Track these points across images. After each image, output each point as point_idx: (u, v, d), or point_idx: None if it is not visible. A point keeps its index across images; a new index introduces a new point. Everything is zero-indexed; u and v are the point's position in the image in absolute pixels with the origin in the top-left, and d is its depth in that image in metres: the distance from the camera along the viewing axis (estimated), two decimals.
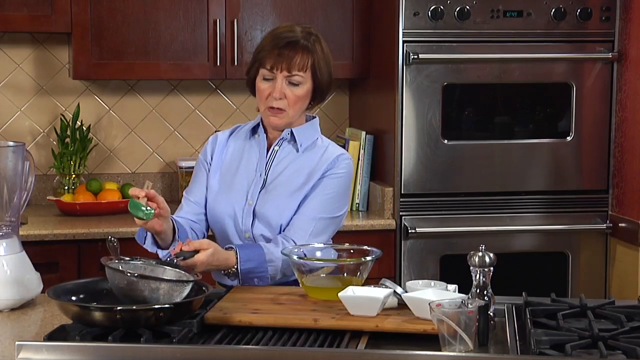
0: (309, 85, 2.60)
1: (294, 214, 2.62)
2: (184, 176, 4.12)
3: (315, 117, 2.74)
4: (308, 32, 2.61)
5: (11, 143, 2.51)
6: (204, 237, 2.68)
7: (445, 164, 3.78)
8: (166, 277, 2.19)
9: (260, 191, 2.64)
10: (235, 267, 2.50)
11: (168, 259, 2.32)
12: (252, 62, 2.64)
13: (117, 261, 2.21)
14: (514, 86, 3.84)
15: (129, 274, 2.12)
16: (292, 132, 2.66)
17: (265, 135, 2.70)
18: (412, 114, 3.74)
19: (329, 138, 2.78)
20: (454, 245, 3.78)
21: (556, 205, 3.87)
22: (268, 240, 2.61)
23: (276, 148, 2.68)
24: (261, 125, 2.71)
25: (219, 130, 4.25)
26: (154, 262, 2.26)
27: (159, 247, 2.55)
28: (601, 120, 3.88)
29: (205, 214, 2.72)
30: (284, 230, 2.62)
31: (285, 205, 2.62)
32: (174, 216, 2.60)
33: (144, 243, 2.56)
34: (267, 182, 2.66)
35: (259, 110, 2.68)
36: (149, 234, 2.53)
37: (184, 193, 2.77)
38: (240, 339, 2.09)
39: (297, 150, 2.67)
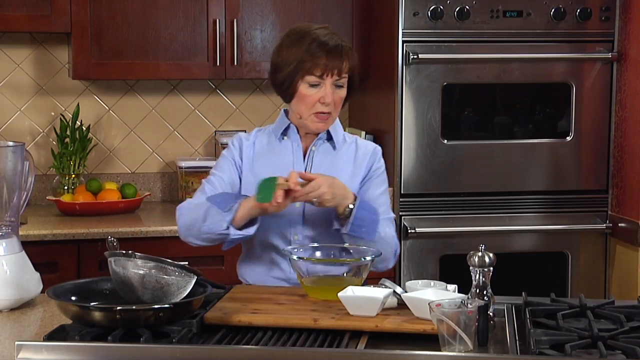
0: (346, 86, 2.62)
1: None
2: (184, 176, 4.12)
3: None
4: (333, 33, 2.62)
5: (11, 143, 2.51)
6: None
7: (445, 164, 3.78)
8: (170, 274, 2.18)
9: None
10: (352, 206, 2.50)
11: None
12: (294, 71, 2.57)
13: (121, 257, 2.20)
14: (514, 86, 3.84)
15: (142, 270, 2.13)
16: (328, 131, 2.67)
17: (299, 137, 2.68)
18: (412, 114, 3.74)
19: None
20: (454, 245, 3.78)
21: (556, 205, 3.87)
22: (314, 242, 2.59)
23: (313, 149, 2.67)
24: (294, 128, 2.68)
25: (219, 130, 4.28)
26: (151, 260, 2.24)
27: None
28: (601, 120, 3.88)
29: None
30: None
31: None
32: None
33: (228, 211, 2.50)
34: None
35: (301, 117, 2.62)
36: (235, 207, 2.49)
37: (210, 176, 2.71)
38: (240, 339, 2.09)
39: (334, 148, 2.68)
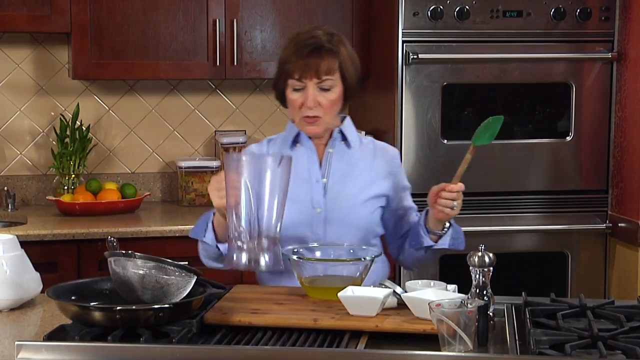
0: (339, 87, 2.58)
1: (405, 218, 2.68)
2: (184, 176, 4.12)
3: (346, 115, 2.73)
4: (329, 34, 2.58)
5: None
6: None
7: (445, 164, 3.77)
8: (170, 274, 2.18)
9: (325, 197, 2.62)
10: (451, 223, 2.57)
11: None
12: (279, 74, 2.61)
13: (121, 257, 2.19)
14: (514, 86, 3.84)
15: (142, 270, 2.13)
16: (341, 132, 2.66)
17: (311, 142, 2.67)
18: (412, 114, 3.74)
19: None
20: None
21: (556, 205, 3.87)
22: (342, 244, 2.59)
23: (330, 151, 2.66)
24: (304, 134, 2.67)
25: (219, 130, 4.28)
26: (151, 260, 2.24)
27: (218, 241, 2.51)
28: (601, 120, 3.88)
29: None
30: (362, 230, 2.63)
31: (358, 204, 2.62)
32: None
33: (204, 236, 2.51)
34: (329, 187, 2.63)
35: (293, 122, 2.64)
36: (209, 226, 2.50)
37: None
38: (240, 339, 2.09)
39: (349, 149, 2.67)
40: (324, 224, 2.61)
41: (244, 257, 2.23)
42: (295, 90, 2.57)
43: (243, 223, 2.21)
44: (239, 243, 2.22)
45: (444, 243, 2.56)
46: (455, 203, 2.49)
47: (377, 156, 2.70)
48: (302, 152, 2.66)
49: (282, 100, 2.64)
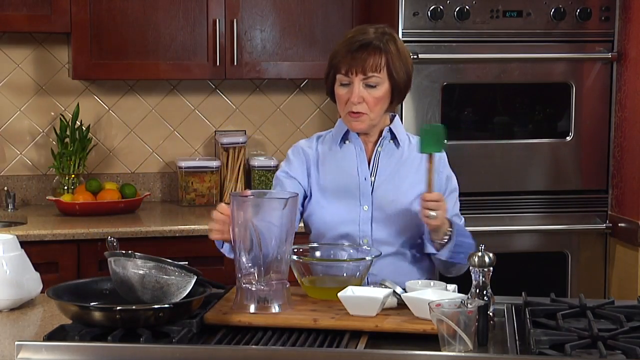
0: (386, 85, 2.55)
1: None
2: (184, 176, 4.12)
3: (395, 114, 2.70)
4: (381, 32, 2.56)
5: None
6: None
7: None
8: (170, 274, 2.18)
9: (372, 195, 2.60)
10: (450, 231, 2.50)
11: None
12: (328, 69, 2.60)
13: (121, 257, 2.19)
14: (514, 86, 3.84)
15: (142, 270, 2.13)
16: (391, 130, 2.64)
17: (360, 140, 2.65)
18: (412, 114, 3.74)
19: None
20: None
21: (556, 205, 3.87)
22: (386, 245, 2.57)
23: (379, 149, 2.64)
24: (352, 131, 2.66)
25: (219, 130, 4.28)
26: (151, 260, 2.25)
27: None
28: (601, 120, 3.87)
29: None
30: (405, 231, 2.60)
31: (405, 204, 2.59)
32: None
33: (222, 247, 2.49)
34: (376, 185, 2.61)
35: (341, 117, 2.62)
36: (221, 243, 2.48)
37: (281, 178, 2.69)
38: (240, 339, 2.09)
39: (398, 148, 2.65)
40: (371, 222, 2.59)
41: (254, 300, 2.22)
42: (343, 85, 2.56)
43: (250, 263, 2.21)
44: (248, 285, 2.23)
45: (442, 254, 2.54)
46: (433, 213, 2.43)
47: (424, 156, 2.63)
48: (351, 149, 2.65)
49: (332, 95, 2.63)
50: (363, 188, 2.61)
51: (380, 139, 2.64)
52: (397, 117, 2.70)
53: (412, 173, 2.62)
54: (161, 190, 4.28)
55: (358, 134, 2.64)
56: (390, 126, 2.65)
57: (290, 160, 2.69)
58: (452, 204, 2.67)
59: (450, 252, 2.51)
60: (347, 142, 2.66)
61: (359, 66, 2.52)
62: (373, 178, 2.62)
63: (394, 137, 2.65)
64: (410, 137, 2.70)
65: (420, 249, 2.60)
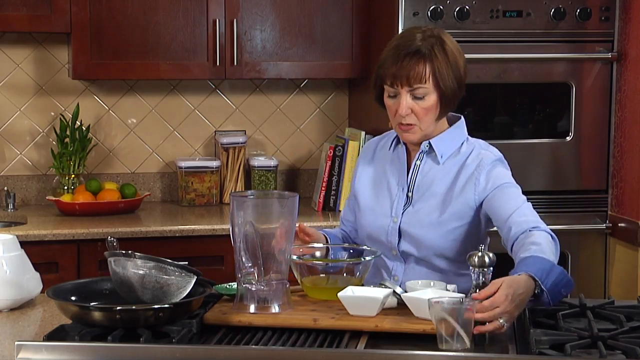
0: (434, 95, 2.44)
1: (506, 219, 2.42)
2: (184, 176, 4.12)
3: (460, 117, 2.59)
4: (428, 36, 2.46)
5: None
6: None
7: None
8: (170, 274, 2.18)
9: (405, 208, 2.52)
10: (538, 286, 2.14)
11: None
12: (375, 78, 2.49)
13: (121, 257, 2.19)
14: (514, 86, 3.84)
15: (142, 270, 2.13)
16: (430, 144, 2.51)
17: (405, 148, 2.57)
18: None
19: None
20: None
21: (556, 205, 3.87)
22: (412, 257, 2.52)
23: (418, 162, 2.53)
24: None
25: (219, 130, 4.29)
26: (151, 260, 2.25)
27: None
28: (600, 120, 3.87)
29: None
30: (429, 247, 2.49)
31: (431, 224, 2.48)
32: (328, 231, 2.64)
33: None
34: (413, 200, 2.52)
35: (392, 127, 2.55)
36: None
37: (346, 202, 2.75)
38: (240, 339, 2.09)
39: (438, 163, 2.51)
40: (398, 235, 2.53)
41: (254, 300, 2.22)
42: (390, 96, 2.46)
43: (250, 263, 2.22)
44: (248, 285, 2.22)
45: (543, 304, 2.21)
46: (501, 321, 2.05)
47: (466, 167, 2.50)
48: (396, 157, 2.58)
49: (379, 101, 2.53)
50: (399, 199, 2.54)
51: (418, 152, 2.53)
52: (458, 124, 2.58)
53: (443, 191, 2.49)
54: (161, 190, 4.28)
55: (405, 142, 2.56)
56: (432, 139, 2.51)
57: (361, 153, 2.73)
58: (505, 201, 2.47)
59: (549, 301, 2.18)
60: (399, 145, 2.58)
61: (403, 78, 2.40)
62: (410, 192, 2.53)
63: (433, 151, 2.52)
64: (463, 146, 2.53)
65: (449, 262, 2.50)
